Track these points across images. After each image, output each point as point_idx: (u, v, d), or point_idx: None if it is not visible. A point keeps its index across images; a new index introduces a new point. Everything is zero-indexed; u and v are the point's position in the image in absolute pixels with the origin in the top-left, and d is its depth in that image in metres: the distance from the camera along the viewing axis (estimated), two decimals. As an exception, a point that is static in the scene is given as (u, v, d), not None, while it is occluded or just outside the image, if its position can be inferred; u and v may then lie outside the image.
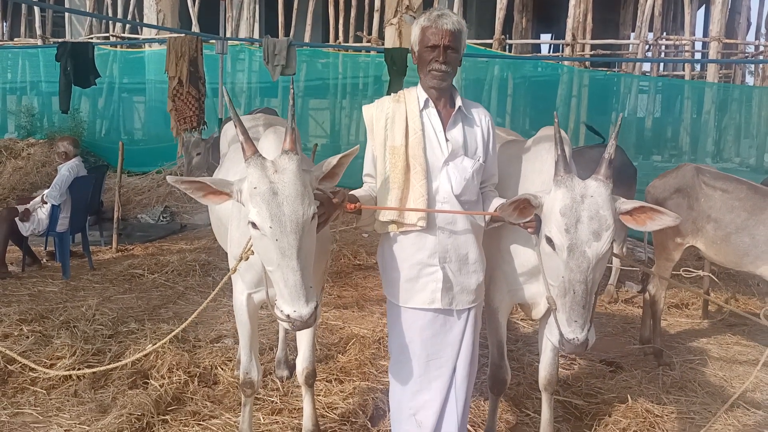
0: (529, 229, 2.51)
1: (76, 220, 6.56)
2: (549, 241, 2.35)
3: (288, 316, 2.17)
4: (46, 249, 6.99)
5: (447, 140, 2.60)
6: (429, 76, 2.59)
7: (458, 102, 2.64)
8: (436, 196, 2.59)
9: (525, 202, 2.40)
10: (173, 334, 2.54)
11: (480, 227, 2.70)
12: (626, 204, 2.38)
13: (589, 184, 2.34)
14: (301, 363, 3.10)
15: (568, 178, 2.34)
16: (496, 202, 2.67)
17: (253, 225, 2.19)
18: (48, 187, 6.52)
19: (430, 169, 2.58)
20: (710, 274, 5.63)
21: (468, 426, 3.05)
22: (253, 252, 2.40)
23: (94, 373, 3.86)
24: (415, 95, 2.65)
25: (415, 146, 2.57)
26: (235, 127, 2.29)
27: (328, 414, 3.59)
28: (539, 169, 2.75)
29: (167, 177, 2.26)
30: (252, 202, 2.19)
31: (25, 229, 6.30)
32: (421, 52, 2.61)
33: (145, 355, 4.12)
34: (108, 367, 3.14)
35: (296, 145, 2.32)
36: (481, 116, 2.70)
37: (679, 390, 4.14)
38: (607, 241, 2.28)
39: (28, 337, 4.41)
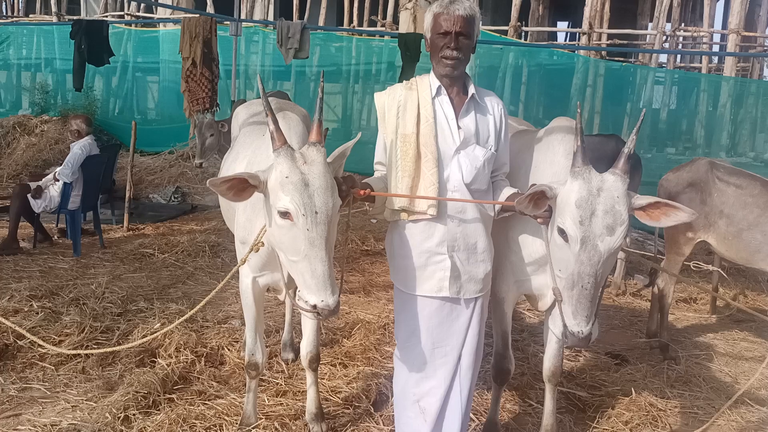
0: (539, 220, 2.50)
1: (88, 199, 6.60)
2: (561, 232, 2.33)
3: (314, 306, 2.18)
4: (57, 226, 7.05)
5: (459, 128, 2.59)
6: (441, 63, 2.57)
7: (471, 90, 2.62)
8: (447, 185, 2.58)
9: (541, 193, 2.38)
10: (184, 318, 2.56)
11: (489, 216, 2.69)
12: (641, 199, 2.35)
13: (606, 177, 2.31)
14: (306, 347, 3.13)
15: (586, 170, 2.32)
16: (507, 192, 2.66)
17: (283, 215, 2.19)
18: (60, 165, 6.56)
19: (441, 158, 2.57)
20: (719, 270, 5.59)
21: (470, 415, 3.06)
22: (263, 243, 2.41)
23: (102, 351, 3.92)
24: (427, 83, 2.63)
25: (426, 134, 2.56)
26: (266, 116, 2.28)
27: (331, 397, 3.62)
28: (551, 160, 2.73)
29: (208, 181, 2.23)
30: (283, 191, 2.18)
31: (36, 205, 6.34)
32: (433, 38, 2.59)
33: (153, 334, 4.17)
34: (117, 348, 3.17)
35: (323, 137, 2.33)
36: (493, 104, 2.68)
37: (684, 384, 4.13)
38: (621, 236, 2.26)
39: (37, 313, 4.45)
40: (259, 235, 2.42)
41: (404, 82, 2.70)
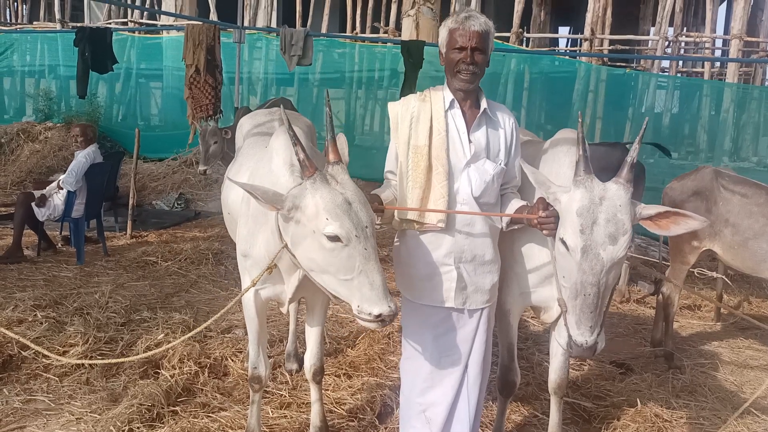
0: (544, 232, 2.49)
1: (92, 207, 6.61)
2: (563, 242, 2.33)
3: (379, 315, 2.20)
4: (61, 234, 7.05)
5: (470, 142, 2.60)
6: (456, 78, 2.58)
7: (483, 104, 2.63)
8: (456, 197, 2.59)
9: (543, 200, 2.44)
10: (190, 335, 2.56)
11: (497, 229, 2.70)
12: (648, 209, 2.34)
13: (609, 186, 2.31)
14: (309, 360, 3.11)
15: (588, 179, 2.32)
16: (515, 204, 2.65)
17: (334, 239, 2.19)
18: (64, 171, 6.57)
19: (451, 171, 2.58)
20: (724, 277, 5.58)
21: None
22: (276, 265, 2.43)
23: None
24: (441, 95, 2.64)
25: (438, 147, 2.57)
26: (294, 146, 2.27)
27: (335, 409, 3.60)
28: (557, 171, 2.72)
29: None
30: (331, 216, 2.19)
31: (40, 214, 6.34)
32: (448, 54, 2.59)
33: (157, 345, 4.16)
34: (121, 360, 3.17)
35: (339, 153, 2.38)
36: (505, 119, 2.69)
37: (689, 394, 4.11)
38: (624, 246, 2.25)
39: (42, 323, 4.44)
40: (274, 258, 2.43)
41: (417, 93, 2.71)
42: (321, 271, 2.32)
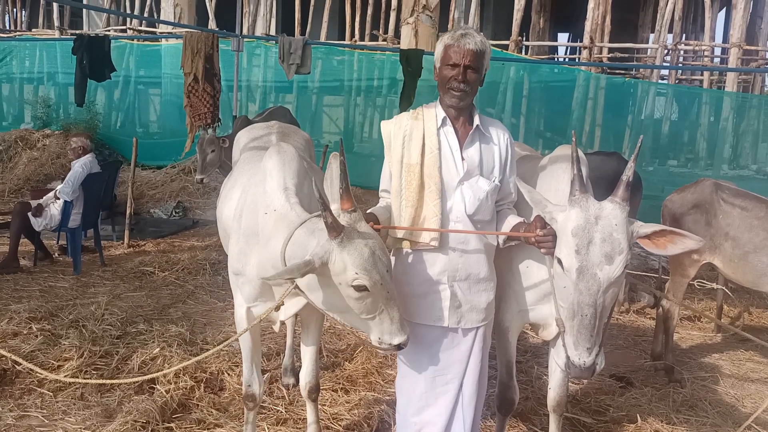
0: (542, 250, 2.47)
1: (89, 216, 6.58)
2: (559, 261, 2.30)
3: (399, 344, 2.35)
4: (58, 243, 7.02)
5: (463, 159, 2.57)
6: (448, 94, 2.56)
7: (476, 120, 2.61)
8: (450, 215, 2.56)
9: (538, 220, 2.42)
10: (190, 363, 2.51)
11: (492, 246, 2.67)
12: (645, 228, 2.32)
13: (604, 205, 2.28)
14: (305, 377, 3.09)
15: (583, 199, 2.30)
16: (512, 220, 2.63)
17: (361, 289, 2.23)
18: (62, 180, 6.53)
19: (444, 189, 2.55)
20: (724, 287, 5.55)
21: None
22: (283, 302, 2.47)
23: (101, 376, 3.88)
24: (433, 113, 2.62)
25: (430, 165, 2.54)
26: (322, 211, 2.22)
27: (332, 425, 3.56)
28: (555, 188, 2.70)
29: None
30: (360, 271, 2.22)
31: (37, 224, 6.32)
32: (441, 69, 2.58)
33: (152, 360, 4.12)
34: (115, 381, 3.13)
35: (353, 200, 2.39)
36: (499, 134, 2.66)
37: (690, 409, 4.08)
38: (620, 265, 2.23)
39: (37, 336, 4.40)
40: (282, 297, 2.45)
41: (410, 111, 2.68)
42: (341, 312, 2.39)
